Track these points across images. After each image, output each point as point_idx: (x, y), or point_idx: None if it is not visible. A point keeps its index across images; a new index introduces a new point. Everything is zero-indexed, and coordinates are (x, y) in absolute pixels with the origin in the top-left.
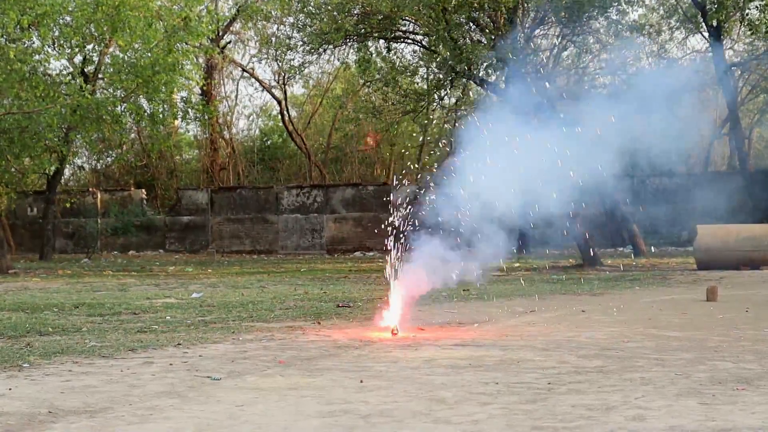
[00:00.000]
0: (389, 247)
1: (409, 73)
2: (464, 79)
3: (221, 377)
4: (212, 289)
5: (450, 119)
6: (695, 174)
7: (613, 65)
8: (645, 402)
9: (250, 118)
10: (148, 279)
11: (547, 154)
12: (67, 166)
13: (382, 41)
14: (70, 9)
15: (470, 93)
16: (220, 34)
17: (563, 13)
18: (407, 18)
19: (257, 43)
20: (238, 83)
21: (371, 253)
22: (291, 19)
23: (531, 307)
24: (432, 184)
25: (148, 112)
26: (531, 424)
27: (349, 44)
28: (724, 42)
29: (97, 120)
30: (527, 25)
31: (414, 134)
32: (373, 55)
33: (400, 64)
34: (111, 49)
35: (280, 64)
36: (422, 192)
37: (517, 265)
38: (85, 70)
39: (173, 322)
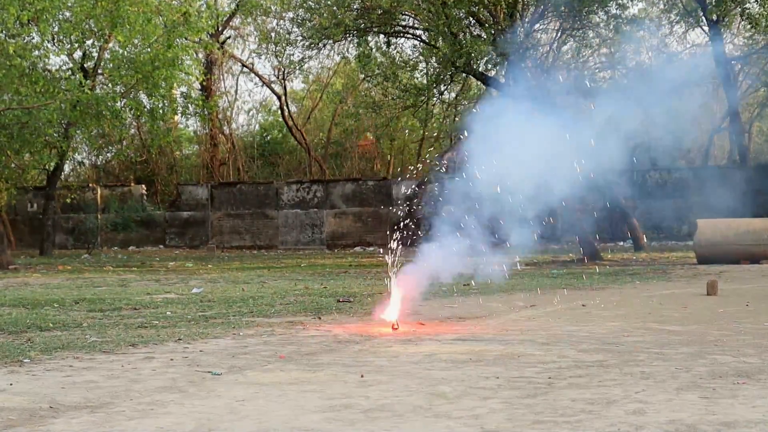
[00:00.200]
0: (396, 240)
1: (408, 68)
2: (464, 74)
3: (222, 372)
4: (212, 284)
5: (450, 114)
6: (695, 168)
7: (623, 56)
8: (645, 396)
9: (250, 114)
10: (149, 274)
11: (558, 147)
12: (67, 161)
13: (381, 36)
14: (69, 4)
15: (470, 88)
16: (220, 29)
17: (563, 8)
18: (407, 13)
19: (257, 39)
20: (237, 78)
21: (371, 248)
22: (290, 14)
23: (531, 301)
24: (443, 176)
25: (148, 107)
26: (532, 418)
27: (349, 39)
28: (724, 36)
29: (96, 115)
30: (527, 20)
31: (413, 129)
32: (373, 50)
33: (400, 59)
34: (110, 45)
35: (280, 59)
36: (433, 183)
37: (536, 258)
38: (85, 65)
39: (174, 317)
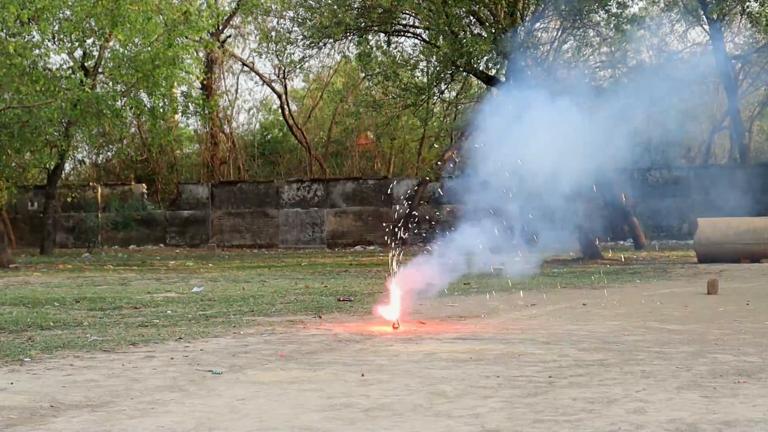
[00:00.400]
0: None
1: (409, 67)
2: (464, 73)
3: (222, 371)
4: (213, 283)
5: (450, 113)
6: (696, 167)
7: (624, 55)
8: (646, 395)
9: (251, 112)
10: (149, 273)
11: (570, 142)
12: (68, 160)
13: (382, 35)
14: (69, 3)
15: (471, 86)
16: (220, 28)
17: (564, 7)
18: (407, 11)
19: (257, 38)
20: (238, 77)
21: (372, 247)
22: (291, 13)
23: (532, 300)
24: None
25: (149, 106)
26: (532, 417)
27: (350, 38)
28: (725, 35)
29: (97, 114)
30: (527, 19)
31: (413, 128)
32: (374, 49)
33: (401, 58)
34: (111, 44)
35: (281, 58)
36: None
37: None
38: (85, 64)
39: (174, 316)
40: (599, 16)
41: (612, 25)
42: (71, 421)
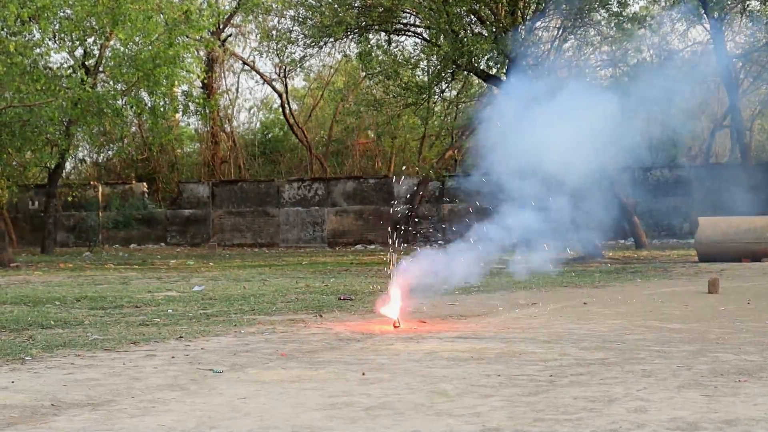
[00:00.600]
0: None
1: (410, 66)
2: (465, 72)
3: (223, 370)
4: (214, 282)
5: (451, 112)
6: (696, 166)
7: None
8: (647, 394)
9: (251, 111)
10: (150, 272)
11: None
12: (68, 159)
13: (383, 34)
14: (70, 2)
15: (471, 86)
16: (221, 27)
17: (564, 6)
18: (408, 10)
19: (258, 36)
20: (239, 76)
21: (372, 246)
22: (291, 12)
23: (533, 299)
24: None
25: (149, 105)
26: (533, 416)
27: (350, 37)
28: (726, 33)
29: (98, 113)
30: (528, 18)
31: (414, 127)
32: (374, 48)
33: (401, 57)
34: (112, 43)
35: (281, 57)
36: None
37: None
38: (86, 63)
39: (175, 315)
40: (600, 15)
41: (613, 24)
42: (72, 420)
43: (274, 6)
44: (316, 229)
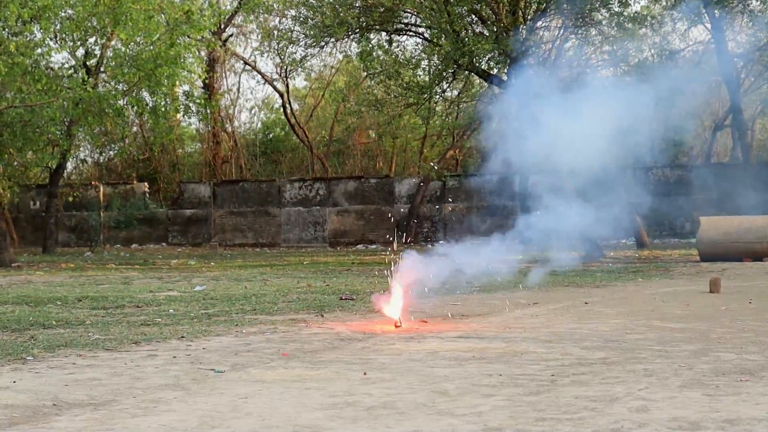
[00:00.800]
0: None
1: (411, 66)
2: (466, 72)
3: (225, 370)
4: (215, 282)
5: (452, 112)
6: (698, 165)
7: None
8: (648, 393)
9: (252, 111)
10: (151, 272)
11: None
12: (70, 159)
13: (384, 34)
14: (71, 2)
15: (473, 85)
16: (222, 27)
17: (565, 5)
18: (409, 10)
19: (259, 36)
20: (240, 76)
21: (374, 246)
22: (293, 12)
23: (534, 299)
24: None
25: (150, 105)
26: (534, 415)
27: (351, 37)
28: (727, 33)
29: (99, 113)
30: (529, 17)
31: (415, 127)
32: (375, 48)
33: (402, 57)
34: (113, 43)
35: (282, 57)
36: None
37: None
38: (87, 63)
39: (176, 315)
40: (601, 15)
41: (614, 24)
42: (74, 420)
43: (275, 6)
44: (318, 229)
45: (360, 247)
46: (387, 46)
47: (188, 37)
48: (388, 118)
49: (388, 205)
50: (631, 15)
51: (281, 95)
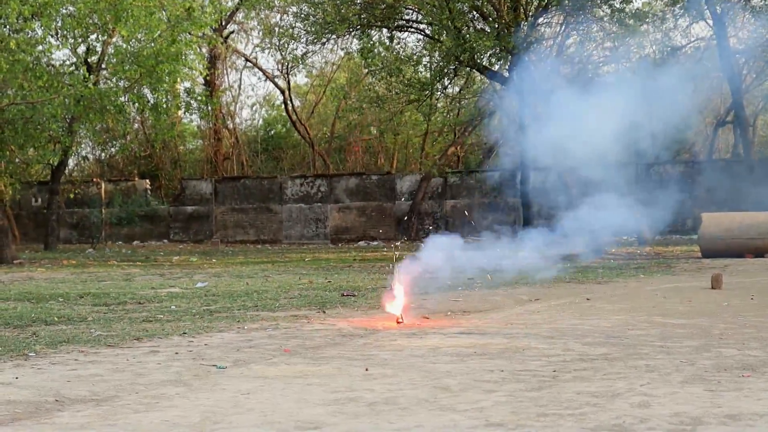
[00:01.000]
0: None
1: (412, 63)
2: (468, 68)
3: (227, 366)
4: (217, 278)
5: (453, 108)
6: (699, 162)
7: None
8: (650, 389)
9: (254, 108)
10: (153, 269)
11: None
12: (71, 156)
13: (385, 30)
14: None
15: (474, 82)
16: (223, 23)
17: (567, 1)
18: (410, 7)
19: (260, 33)
20: (241, 73)
21: (375, 243)
22: (294, 9)
23: (536, 295)
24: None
25: (152, 102)
26: (536, 411)
27: (352, 34)
28: (729, 29)
29: (100, 110)
30: (531, 14)
31: (416, 124)
32: (376, 45)
33: (404, 54)
34: (114, 39)
35: (283, 53)
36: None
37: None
38: (88, 60)
39: (178, 311)
40: (602, 11)
41: (615, 20)
42: (76, 416)
43: (276, 2)
44: (319, 225)
45: (361, 243)
46: (388, 43)
47: (189, 33)
48: (390, 115)
49: (389, 201)
50: (633, 11)
51: (282, 92)
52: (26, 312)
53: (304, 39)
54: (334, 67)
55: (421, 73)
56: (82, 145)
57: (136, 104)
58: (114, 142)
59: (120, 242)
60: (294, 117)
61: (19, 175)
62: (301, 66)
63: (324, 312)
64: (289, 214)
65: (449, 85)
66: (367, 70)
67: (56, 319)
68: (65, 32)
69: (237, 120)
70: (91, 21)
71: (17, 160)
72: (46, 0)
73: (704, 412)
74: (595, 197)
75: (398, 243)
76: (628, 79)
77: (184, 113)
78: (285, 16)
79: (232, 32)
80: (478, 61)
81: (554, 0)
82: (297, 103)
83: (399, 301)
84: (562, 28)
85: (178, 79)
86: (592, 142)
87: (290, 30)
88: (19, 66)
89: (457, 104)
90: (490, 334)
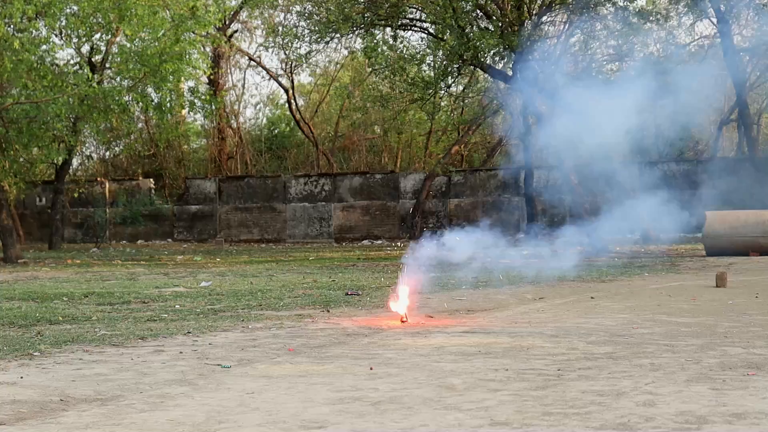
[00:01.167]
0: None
1: (416, 62)
2: (471, 67)
3: (231, 365)
4: (221, 278)
5: (457, 107)
6: (704, 160)
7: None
8: (655, 387)
9: (258, 107)
10: (157, 268)
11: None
12: (76, 155)
13: (388, 29)
14: None
15: (478, 80)
16: (227, 23)
17: (571, 0)
18: (414, 6)
19: (264, 32)
20: (245, 72)
21: (379, 241)
22: (297, 8)
23: (540, 293)
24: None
25: (156, 101)
26: (541, 410)
27: (356, 33)
28: (733, 27)
29: (104, 110)
30: (534, 12)
31: (420, 122)
32: (380, 44)
33: (407, 53)
34: (118, 39)
35: (287, 52)
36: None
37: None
38: (93, 59)
39: (183, 310)
40: (606, 9)
41: (619, 18)
42: (81, 415)
43: (280, 1)
44: (323, 224)
45: (365, 242)
46: (392, 42)
47: (193, 32)
48: (393, 114)
49: (393, 200)
50: (637, 10)
51: (286, 91)
52: (31, 311)
53: (308, 38)
54: (338, 66)
55: (424, 71)
56: (87, 145)
57: (140, 103)
58: (118, 142)
59: (124, 241)
60: (298, 116)
61: (23, 175)
62: (304, 65)
63: (328, 311)
64: (293, 213)
65: (453, 84)
66: (370, 69)
67: (61, 318)
68: (69, 31)
69: (241, 119)
70: (95, 20)
71: (21, 159)
72: (50, 0)
73: (709, 411)
74: (634, 195)
75: (404, 243)
76: (635, 77)
77: (188, 112)
78: (289, 15)
79: (236, 31)
80: (482, 59)
81: None
82: (301, 102)
83: (403, 300)
84: (566, 27)
85: (182, 78)
86: (601, 141)
87: (294, 29)
88: (23, 65)
89: (461, 103)
90: (495, 333)
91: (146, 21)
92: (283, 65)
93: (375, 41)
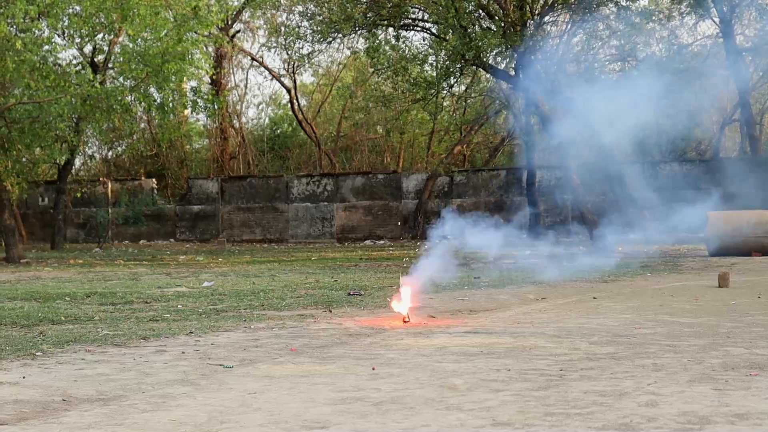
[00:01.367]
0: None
1: (418, 62)
2: (474, 67)
3: (233, 365)
4: (223, 277)
5: (460, 107)
6: (706, 160)
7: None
8: (657, 388)
9: (260, 107)
10: (159, 268)
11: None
12: (78, 155)
13: (391, 29)
14: None
15: (480, 80)
16: (229, 23)
17: (573, 0)
18: (416, 6)
19: (266, 32)
20: (247, 72)
21: (382, 241)
22: (300, 8)
23: (542, 294)
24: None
25: (158, 101)
26: (543, 410)
27: (359, 33)
28: (735, 27)
29: (107, 110)
30: (537, 12)
31: (422, 122)
32: (382, 44)
33: (410, 53)
34: (120, 39)
35: (290, 52)
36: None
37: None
38: (95, 59)
39: (185, 310)
40: (609, 9)
41: (621, 18)
42: (83, 415)
43: (282, 1)
44: (325, 224)
45: (368, 242)
46: (394, 42)
47: (196, 32)
48: (396, 114)
49: (395, 200)
50: (639, 10)
51: (288, 91)
52: (33, 311)
53: (310, 38)
54: (340, 66)
55: (427, 71)
56: (89, 145)
57: (143, 103)
58: (120, 142)
59: (126, 241)
60: (300, 116)
61: (25, 175)
62: (307, 65)
63: (330, 311)
64: (295, 213)
65: (455, 84)
66: (373, 69)
67: (63, 318)
68: (72, 32)
69: (243, 119)
70: (97, 20)
71: (24, 159)
72: (52, 0)
73: (712, 411)
74: (636, 195)
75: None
76: (638, 77)
77: (191, 112)
78: (291, 15)
79: (239, 31)
80: (484, 59)
81: None
82: (303, 102)
83: (405, 300)
84: (569, 27)
85: (185, 78)
86: (603, 141)
87: (296, 29)
88: (25, 66)
89: (464, 103)
90: (497, 333)
91: (149, 21)
92: (286, 65)
93: (377, 41)
